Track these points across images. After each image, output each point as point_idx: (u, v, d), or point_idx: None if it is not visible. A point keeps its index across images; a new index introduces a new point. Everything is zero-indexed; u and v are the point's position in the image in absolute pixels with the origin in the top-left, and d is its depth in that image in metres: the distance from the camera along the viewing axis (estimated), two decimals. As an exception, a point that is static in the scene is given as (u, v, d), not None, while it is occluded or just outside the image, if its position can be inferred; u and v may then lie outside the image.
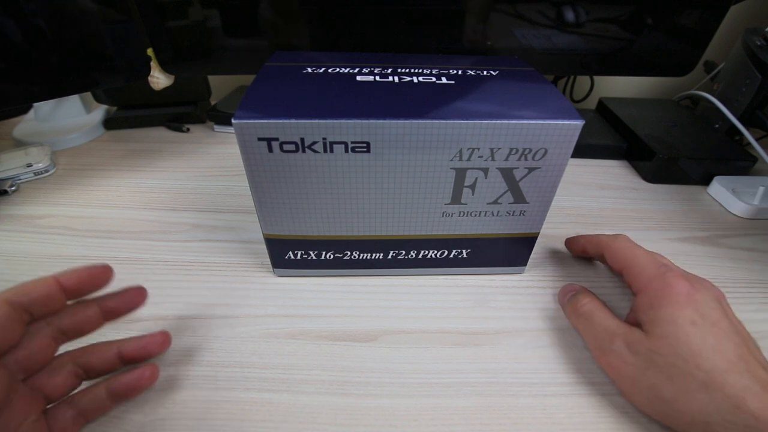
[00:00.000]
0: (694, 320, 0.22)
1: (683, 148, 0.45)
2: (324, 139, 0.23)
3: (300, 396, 0.24)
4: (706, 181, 0.45)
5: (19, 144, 0.49)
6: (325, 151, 0.24)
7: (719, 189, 0.43)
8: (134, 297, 0.24)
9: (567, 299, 0.29)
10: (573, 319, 0.28)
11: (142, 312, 0.29)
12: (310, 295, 0.31)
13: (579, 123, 0.24)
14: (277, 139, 0.23)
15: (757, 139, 0.45)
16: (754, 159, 0.44)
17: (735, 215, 0.41)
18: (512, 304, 0.31)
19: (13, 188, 0.41)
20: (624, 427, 0.23)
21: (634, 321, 0.25)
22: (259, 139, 0.23)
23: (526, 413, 0.24)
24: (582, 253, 0.33)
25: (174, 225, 0.38)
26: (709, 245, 0.37)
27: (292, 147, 0.24)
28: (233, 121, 0.23)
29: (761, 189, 0.40)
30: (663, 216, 0.41)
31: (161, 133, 0.54)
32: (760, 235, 0.38)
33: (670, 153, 0.44)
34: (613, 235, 0.30)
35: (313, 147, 0.24)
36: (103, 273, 0.22)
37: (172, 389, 0.24)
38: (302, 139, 0.23)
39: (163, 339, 0.25)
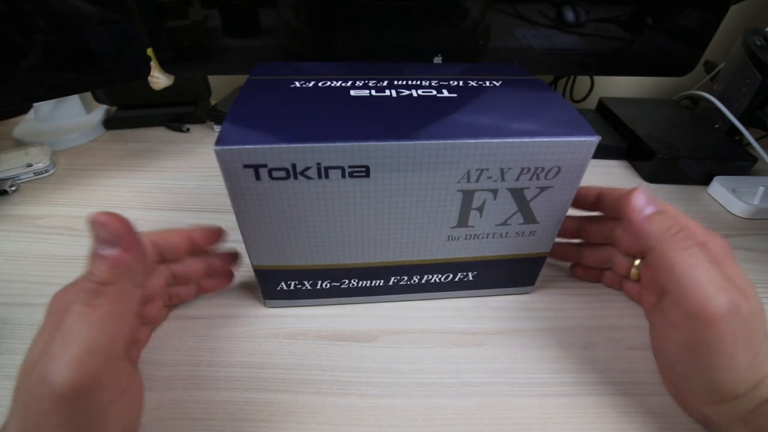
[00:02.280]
0: None
1: (683, 148, 0.45)
2: (318, 164, 0.21)
3: (300, 396, 0.24)
4: (706, 181, 0.45)
5: (19, 144, 0.49)
6: (319, 177, 0.22)
7: (719, 189, 0.43)
8: (230, 259, 0.29)
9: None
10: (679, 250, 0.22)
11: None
12: (310, 295, 0.31)
13: (594, 140, 0.22)
14: (265, 166, 0.21)
15: (757, 139, 0.45)
16: (754, 159, 0.44)
17: (735, 215, 0.41)
18: (512, 304, 0.30)
19: (13, 188, 0.41)
20: (624, 427, 0.23)
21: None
22: (245, 167, 0.21)
23: (526, 413, 0.24)
24: (590, 207, 0.28)
25: (174, 225, 0.37)
26: (709, 245, 0.37)
27: (282, 174, 0.21)
28: (214, 148, 0.20)
29: (761, 189, 0.40)
30: (663, 216, 0.41)
31: (161, 133, 0.54)
32: (760, 235, 0.38)
33: (670, 153, 0.44)
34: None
35: (306, 173, 0.22)
36: (220, 234, 0.27)
37: (173, 389, 0.24)
38: (294, 165, 0.21)
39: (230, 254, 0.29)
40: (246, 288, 0.31)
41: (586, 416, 0.24)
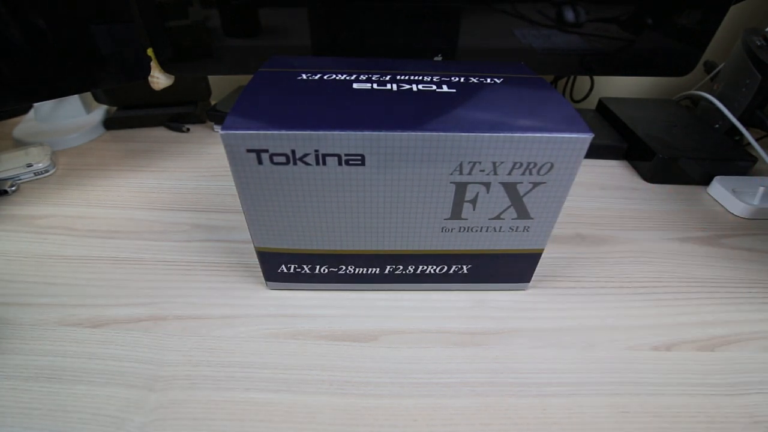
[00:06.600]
0: None
1: (683, 148, 0.45)
2: (316, 151, 0.22)
3: (300, 396, 0.24)
4: (706, 181, 0.45)
5: (19, 144, 0.49)
6: (317, 163, 0.23)
7: (719, 189, 0.43)
8: None
9: None
10: None
11: (142, 312, 0.29)
12: (310, 295, 0.31)
13: (587, 137, 0.23)
14: (266, 151, 0.22)
15: (757, 139, 0.45)
16: (754, 159, 0.44)
17: (735, 215, 0.41)
18: (512, 304, 0.31)
19: (13, 188, 0.41)
20: (623, 427, 0.23)
21: None
22: (248, 151, 0.22)
23: (526, 413, 0.24)
24: None
25: (174, 225, 0.38)
26: (708, 245, 0.37)
27: (282, 159, 0.23)
28: (220, 132, 0.22)
29: (761, 189, 0.40)
30: (663, 216, 0.41)
31: (161, 133, 0.54)
32: (760, 235, 0.38)
33: (670, 153, 0.44)
34: None
35: (304, 159, 0.23)
36: None
37: (172, 389, 0.24)
38: (293, 151, 0.22)
39: None
40: (245, 289, 0.31)
41: (586, 416, 0.24)
